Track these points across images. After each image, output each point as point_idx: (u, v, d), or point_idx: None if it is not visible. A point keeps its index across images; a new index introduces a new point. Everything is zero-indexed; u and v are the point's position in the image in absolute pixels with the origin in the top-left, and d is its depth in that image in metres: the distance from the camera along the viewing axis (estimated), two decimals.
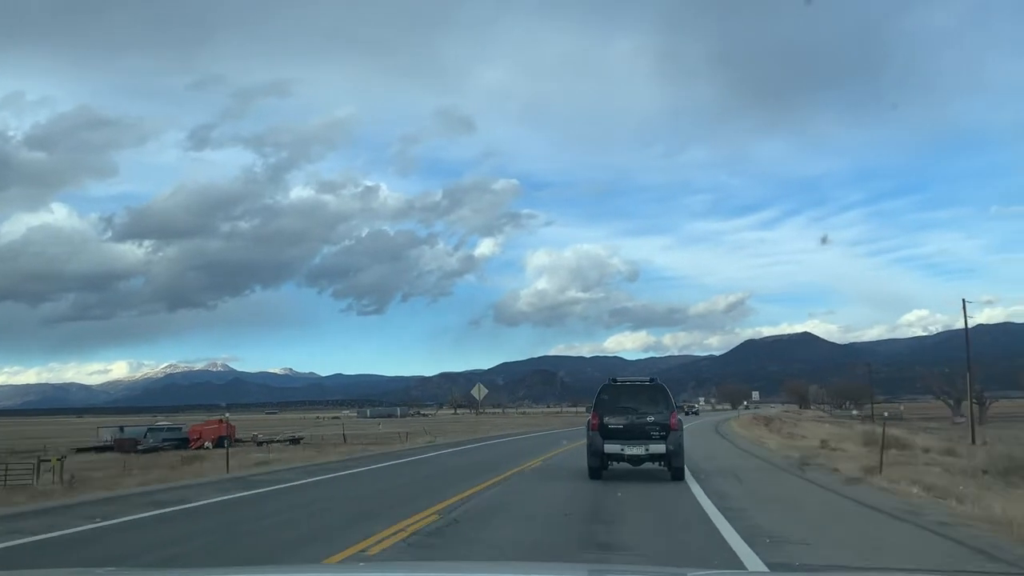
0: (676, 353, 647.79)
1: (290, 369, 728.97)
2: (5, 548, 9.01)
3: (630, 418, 16.72)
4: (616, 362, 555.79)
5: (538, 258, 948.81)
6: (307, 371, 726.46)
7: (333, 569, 6.15)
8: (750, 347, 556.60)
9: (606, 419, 16.79)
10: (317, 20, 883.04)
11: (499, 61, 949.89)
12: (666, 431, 16.45)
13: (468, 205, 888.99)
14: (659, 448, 16.40)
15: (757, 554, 8.09)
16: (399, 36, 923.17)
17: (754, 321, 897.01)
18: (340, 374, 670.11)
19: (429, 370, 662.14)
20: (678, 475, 16.53)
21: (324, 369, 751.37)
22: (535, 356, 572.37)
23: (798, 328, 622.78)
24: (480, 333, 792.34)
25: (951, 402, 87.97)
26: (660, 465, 16.90)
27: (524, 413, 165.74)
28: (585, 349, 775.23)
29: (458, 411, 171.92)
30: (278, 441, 50.45)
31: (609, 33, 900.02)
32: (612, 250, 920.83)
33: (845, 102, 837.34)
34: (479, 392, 47.03)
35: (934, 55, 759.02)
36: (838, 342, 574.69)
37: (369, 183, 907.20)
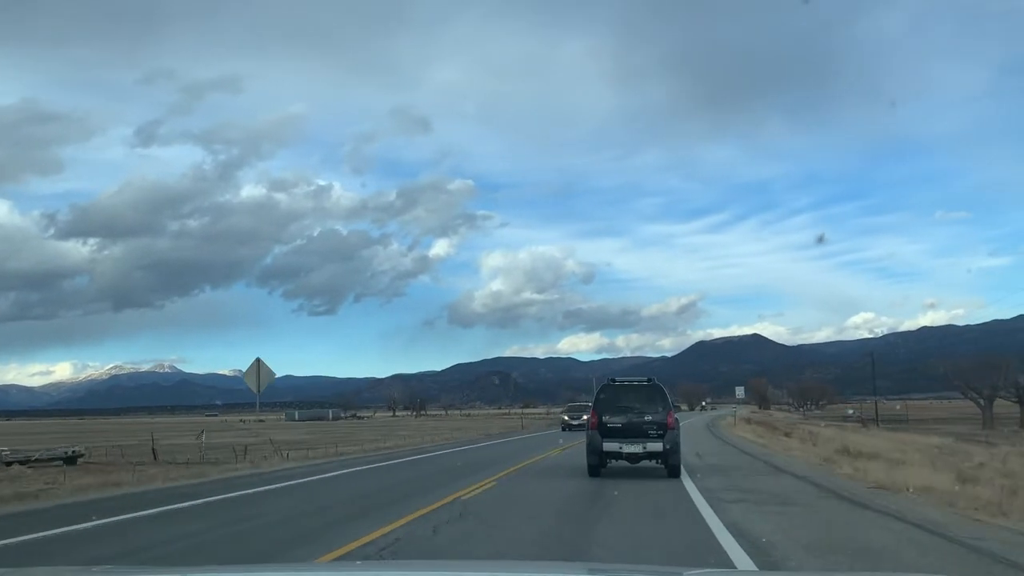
0: (629, 354, 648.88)
1: (239, 371, 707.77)
2: None
3: (628, 417, 17.10)
4: (570, 363, 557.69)
5: (493, 259, 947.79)
6: None
7: (332, 568, 6.03)
8: (701, 348, 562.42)
9: (605, 418, 17.18)
10: (269, 15, 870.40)
11: (454, 60, 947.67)
12: (663, 430, 16.86)
13: (423, 205, 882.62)
14: (656, 446, 16.79)
15: None
16: (353, 33, 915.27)
17: (705, 323, 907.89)
18: (291, 376, 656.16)
19: (382, 372, 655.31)
20: (674, 472, 16.94)
21: (274, 370, 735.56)
22: (489, 357, 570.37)
23: (748, 330, 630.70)
24: (434, 334, 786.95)
25: (981, 400, 76.72)
26: (657, 463, 17.24)
27: (468, 415, 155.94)
28: (539, 350, 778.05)
29: (397, 414, 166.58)
30: (36, 461, 24.33)
31: (562, 35, 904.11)
32: (567, 252, 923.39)
33: (794, 107, 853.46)
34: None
35: (881, 61, 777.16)
36: (787, 343, 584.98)
37: (322, 182, 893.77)
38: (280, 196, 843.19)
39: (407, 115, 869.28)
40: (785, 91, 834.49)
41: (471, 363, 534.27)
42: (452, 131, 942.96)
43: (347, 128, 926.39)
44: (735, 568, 7.34)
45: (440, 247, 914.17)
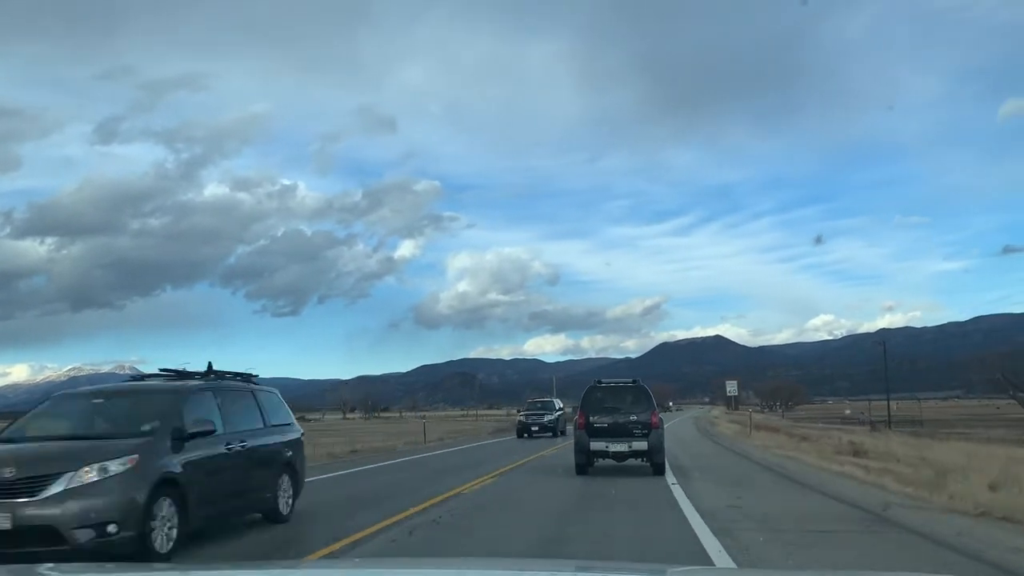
0: (594, 356, 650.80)
1: None
2: None
3: (614, 417, 17.72)
4: (535, 364, 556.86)
5: (459, 260, 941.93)
6: None
7: (331, 567, 5.98)
8: (665, 349, 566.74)
9: (592, 418, 17.79)
10: (233, 12, 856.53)
11: (420, 60, 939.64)
12: (648, 429, 17.55)
13: (388, 206, 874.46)
14: (641, 445, 17.47)
15: None
16: (318, 31, 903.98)
17: (669, 324, 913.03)
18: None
19: (346, 373, 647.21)
20: (659, 470, 17.59)
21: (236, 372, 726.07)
22: (454, 359, 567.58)
23: (711, 331, 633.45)
24: (399, 335, 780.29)
25: None
26: (643, 461, 17.84)
27: (424, 417, 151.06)
28: (505, 351, 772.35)
29: (348, 416, 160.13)
30: None
31: (529, 37, 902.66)
32: (534, 253, 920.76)
33: (758, 111, 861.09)
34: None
35: (843, 67, 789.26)
36: (749, 345, 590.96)
37: (286, 181, 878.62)
38: (243, 195, 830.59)
39: (373, 115, 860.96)
40: (749, 96, 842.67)
41: (437, 364, 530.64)
42: (418, 131, 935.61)
43: (312, 127, 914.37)
44: (716, 566, 7.29)
45: (406, 248, 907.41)
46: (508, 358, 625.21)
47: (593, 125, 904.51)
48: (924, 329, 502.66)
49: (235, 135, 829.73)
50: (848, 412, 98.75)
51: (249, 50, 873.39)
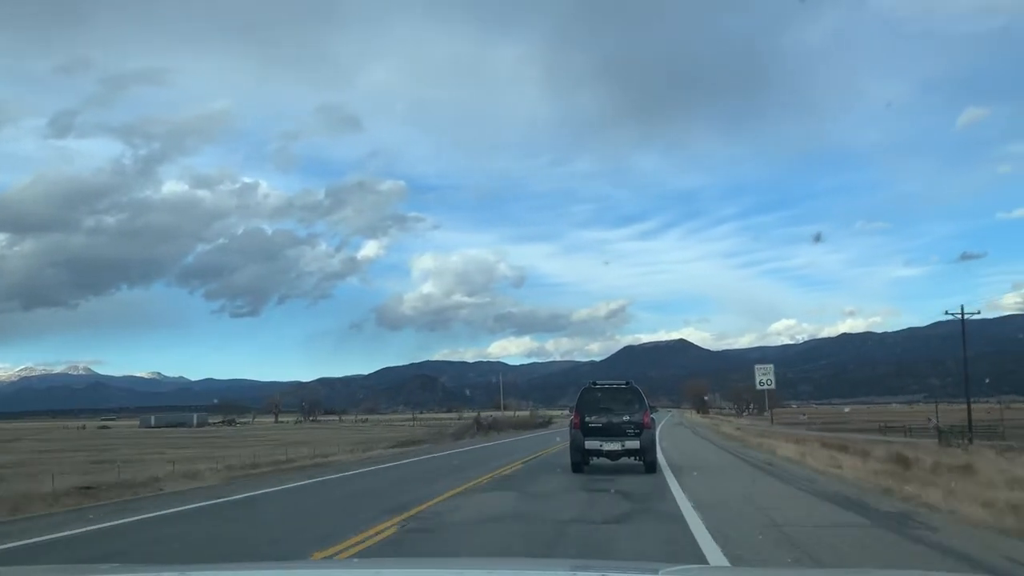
0: (559, 358, 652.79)
1: (158, 373, 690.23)
2: None
3: (608, 417, 18.32)
4: (499, 367, 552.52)
5: (424, 262, 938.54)
6: (176, 375, 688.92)
7: (329, 567, 5.79)
8: (629, 353, 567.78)
9: (587, 418, 18.40)
10: (197, 7, 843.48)
11: (386, 60, 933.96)
12: (640, 429, 18.19)
13: (352, 205, 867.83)
14: (634, 444, 18.11)
15: None
16: (283, 28, 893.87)
17: (633, 328, 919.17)
18: (211, 379, 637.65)
19: (306, 375, 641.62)
20: (651, 468, 18.32)
21: (194, 373, 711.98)
22: (417, 361, 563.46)
23: (674, 335, 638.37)
24: (361, 337, 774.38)
25: None
26: (636, 459, 18.48)
27: (365, 421, 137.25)
28: (469, 354, 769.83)
29: (280, 419, 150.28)
30: None
31: (496, 39, 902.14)
32: (499, 255, 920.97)
33: (722, 117, 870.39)
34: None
35: (806, 75, 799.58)
36: (712, 349, 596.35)
37: (248, 179, 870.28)
38: (203, 193, 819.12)
39: (337, 113, 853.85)
40: (714, 101, 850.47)
41: (399, 367, 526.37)
42: (383, 131, 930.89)
43: (275, 125, 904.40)
44: (708, 565, 7.27)
45: (369, 248, 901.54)
46: (472, 360, 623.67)
47: (559, 128, 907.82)
48: (885, 334, 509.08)
49: (196, 131, 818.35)
50: (848, 410, 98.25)
51: (212, 46, 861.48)
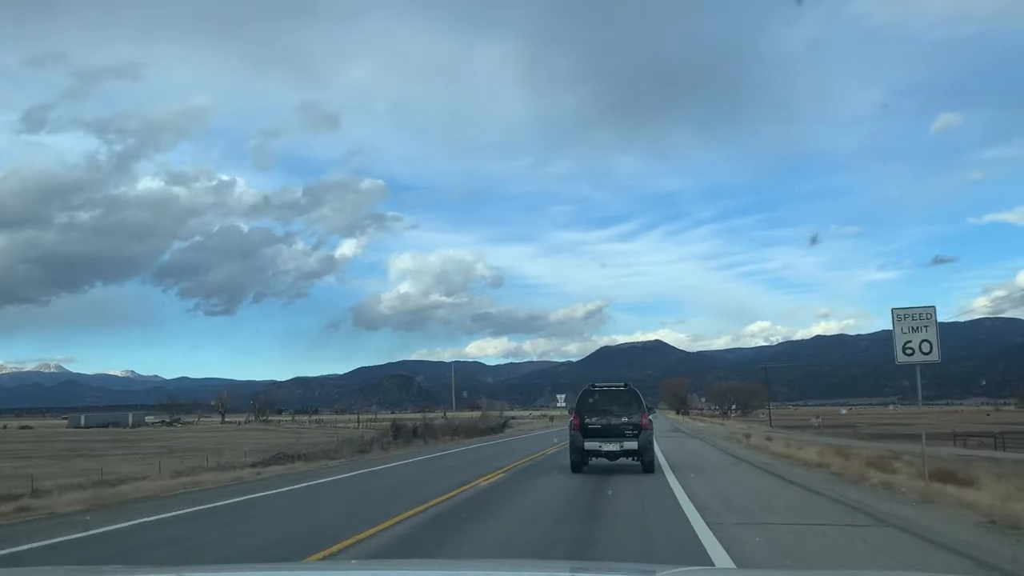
0: (535, 359, 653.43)
1: (132, 371, 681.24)
2: None
3: (607, 419, 18.57)
4: (476, 367, 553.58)
5: (402, 261, 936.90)
6: (150, 374, 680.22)
7: (329, 568, 5.82)
8: (606, 353, 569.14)
9: (586, 420, 18.67)
10: (175, 1, 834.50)
11: (365, 59, 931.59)
12: (638, 430, 18.43)
13: (330, 204, 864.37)
14: (632, 445, 18.34)
15: None
16: (262, 25, 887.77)
17: (610, 329, 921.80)
18: (186, 377, 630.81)
19: (282, 374, 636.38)
20: (649, 468, 18.44)
21: (169, 372, 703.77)
22: (394, 360, 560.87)
23: (651, 336, 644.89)
24: (338, 337, 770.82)
25: None
26: (633, 460, 18.65)
27: (320, 422, 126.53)
28: (446, 354, 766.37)
29: (227, 420, 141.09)
30: None
31: (476, 39, 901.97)
32: (477, 256, 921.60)
33: (701, 121, 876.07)
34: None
35: (783, 80, 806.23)
36: (688, 350, 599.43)
37: (224, 177, 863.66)
38: (179, 190, 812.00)
39: (316, 112, 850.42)
40: (693, 105, 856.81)
41: (375, 366, 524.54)
42: (362, 130, 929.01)
43: (253, 122, 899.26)
44: (707, 566, 7.29)
45: (347, 247, 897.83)
46: (449, 360, 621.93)
47: (539, 129, 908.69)
48: (858, 337, 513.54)
49: (172, 128, 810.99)
50: (844, 412, 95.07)
51: (190, 41, 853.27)
